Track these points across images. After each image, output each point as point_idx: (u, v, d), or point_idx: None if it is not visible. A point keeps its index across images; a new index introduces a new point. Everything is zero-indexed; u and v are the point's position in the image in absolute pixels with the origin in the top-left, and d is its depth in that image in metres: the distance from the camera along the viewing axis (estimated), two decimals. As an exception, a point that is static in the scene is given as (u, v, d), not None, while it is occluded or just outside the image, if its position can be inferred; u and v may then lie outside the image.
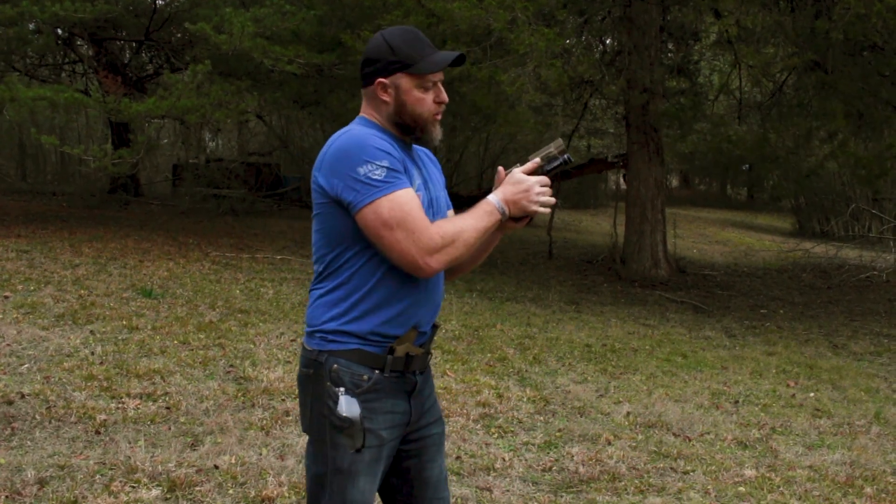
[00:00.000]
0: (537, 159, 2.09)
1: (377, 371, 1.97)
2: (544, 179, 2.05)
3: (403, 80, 2.00)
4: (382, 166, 1.90)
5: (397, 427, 2.02)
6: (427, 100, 2.02)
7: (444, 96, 2.05)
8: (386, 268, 1.96)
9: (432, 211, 2.06)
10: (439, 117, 2.06)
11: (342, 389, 1.94)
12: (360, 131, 1.97)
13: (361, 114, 2.08)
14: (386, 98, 2.02)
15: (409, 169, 2.01)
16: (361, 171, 1.89)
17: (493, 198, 2.00)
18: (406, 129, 2.04)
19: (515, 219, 2.06)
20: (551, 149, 2.11)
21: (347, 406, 1.93)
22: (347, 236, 1.96)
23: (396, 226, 1.88)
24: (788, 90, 12.83)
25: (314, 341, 2.00)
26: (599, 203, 23.98)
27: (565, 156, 2.10)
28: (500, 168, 2.10)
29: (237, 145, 22.91)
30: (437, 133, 2.07)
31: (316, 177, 1.97)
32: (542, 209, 2.03)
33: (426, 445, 2.12)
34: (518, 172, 2.05)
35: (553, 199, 2.05)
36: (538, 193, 2.02)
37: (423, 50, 2.01)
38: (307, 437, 2.05)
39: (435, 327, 2.12)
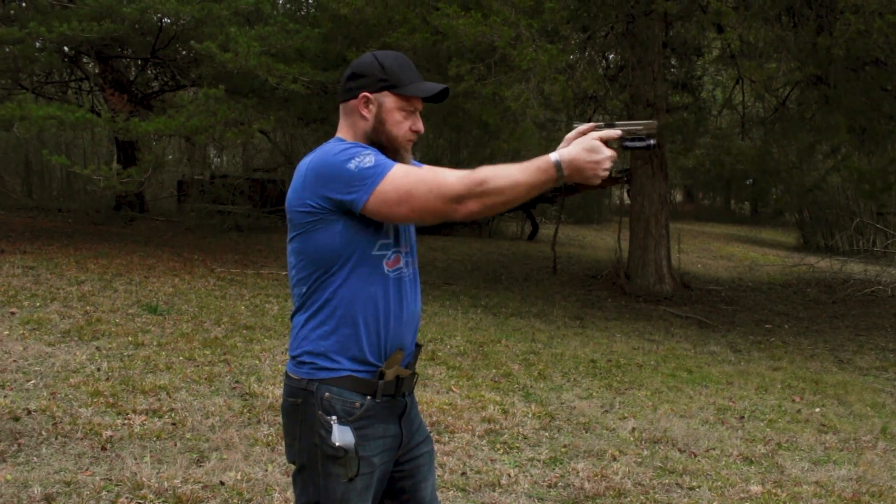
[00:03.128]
0: (619, 131, 1.93)
1: (369, 397, 1.96)
2: (615, 156, 1.89)
3: (388, 99, 2.01)
4: (368, 154, 1.91)
5: (388, 451, 2.02)
6: (405, 125, 2.02)
7: (421, 126, 2.05)
8: (366, 289, 1.96)
9: (406, 234, 2.07)
10: (411, 144, 2.05)
11: (335, 418, 1.92)
12: (329, 144, 1.99)
13: (336, 135, 2.07)
14: (366, 114, 2.02)
15: None
16: (352, 165, 1.89)
17: (555, 155, 1.87)
18: (379, 150, 2.03)
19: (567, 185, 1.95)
20: (640, 127, 1.95)
21: (341, 435, 1.91)
22: (332, 254, 1.94)
23: (408, 197, 1.87)
24: (791, 105, 12.87)
25: (302, 369, 1.97)
26: (603, 218, 23.99)
27: (652, 140, 1.93)
28: (589, 125, 1.95)
29: (242, 162, 22.99)
30: (409, 160, 2.06)
31: (299, 198, 1.95)
32: (605, 174, 1.89)
33: (419, 465, 2.13)
34: (596, 139, 1.89)
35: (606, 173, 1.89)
36: (609, 158, 1.88)
37: (413, 76, 2.03)
38: (294, 468, 2.03)
39: (418, 347, 2.12)
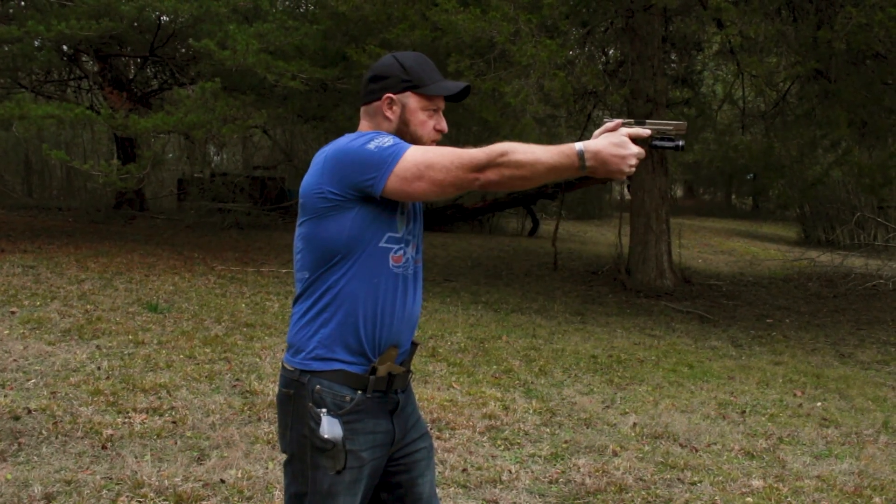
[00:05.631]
0: (649, 130, 1.91)
1: (360, 392, 1.96)
2: (642, 153, 1.87)
3: (411, 100, 2.02)
4: (386, 137, 1.94)
5: (379, 447, 2.02)
6: (429, 124, 2.04)
7: (444, 125, 2.06)
8: (367, 286, 1.96)
9: (414, 231, 2.07)
10: (434, 144, 2.06)
11: (324, 410, 1.93)
12: (347, 135, 2.00)
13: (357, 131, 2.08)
14: (390, 115, 2.03)
15: None
16: (372, 146, 1.90)
17: (580, 144, 1.84)
18: None
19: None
20: (670, 127, 1.93)
21: (329, 427, 1.91)
22: (339, 243, 1.95)
23: (428, 167, 1.87)
24: (792, 99, 12.85)
25: (296, 361, 1.99)
26: (604, 214, 23.98)
27: (681, 142, 1.91)
28: (618, 121, 1.92)
29: (242, 159, 23.01)
30: None
31: (317, 184, 1.95)
32: (629, 170, 1.85)
33: (415, 461, 2.12)
34: (624, 133, 1.87)
35: (632, 169, 1.87)
36: (635, 154, 1.85)
37: (434, 75, 2.05)
38: (285, 457, 2.04)
39: (414, 345, 2.12)
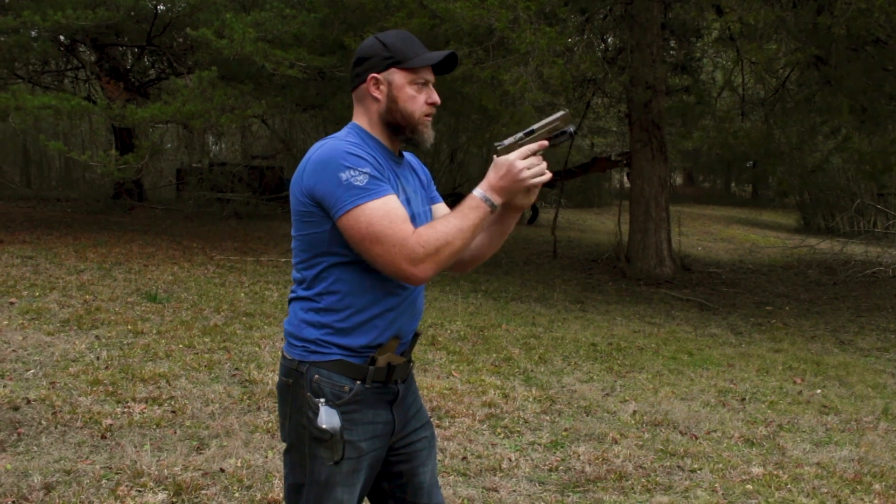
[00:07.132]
0: (537, 144, 1.93)
1: (358, 382, 1.95)
2: (525, 150, 1.91)
3: (396, 76, 1.98)
4: (364, 172, 1.87)
5: (379, 438, 2.00)
6: (419, 99, 1.99)
7: (436, 97, 2.02)
8: (366, 277, 1.94)
9: (415, 219, 2.02)
10: (429, 119, 2.02)
11: (322, 400, 1.92)
12: (340, 141, 1.94)
13: (353, 121, 2.05)
14: (377, 95, 1.99)
15: (392, 181, 1.98)
16: (343, 176, 1.86)
17: (478, 190, 1.91)
18: (396, 129, 2.01)
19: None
20: (557, 121, 1.95)
21: (328, 417, 1.90)
22: (327, 244, 1.93)
23: (376, 239, 1.84)
24: (792, 86, 12.80)
25: (296, 350, 1.97)
26: (603, 202, 23.96)
27: (570, 128, 1.94)
28: (507, 140, 1.97)
29: (240, 149, 22.95)
30: (429, 135, 2.03)
31: (298, 185, 1.94)
32: (537, 181, 1.91)
33: (416, 450, 2.11)
34: (520, 156, 1.91)
35: (546, 174, 1.91)
36: (523, 168, 1.89)
37: (416, 48, 2.00)
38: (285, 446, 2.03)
39: (416, 335, 2.10)
